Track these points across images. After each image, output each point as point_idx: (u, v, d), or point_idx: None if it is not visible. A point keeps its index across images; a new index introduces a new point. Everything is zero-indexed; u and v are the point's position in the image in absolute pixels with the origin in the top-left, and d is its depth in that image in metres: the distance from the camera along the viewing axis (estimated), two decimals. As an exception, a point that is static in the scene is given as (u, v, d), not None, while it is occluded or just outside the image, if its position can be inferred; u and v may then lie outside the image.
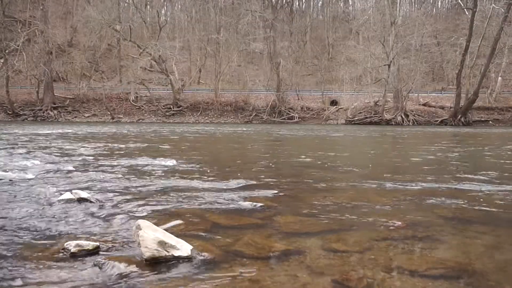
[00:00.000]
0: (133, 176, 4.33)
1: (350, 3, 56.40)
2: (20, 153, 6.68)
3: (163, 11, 46.34)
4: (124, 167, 5.03)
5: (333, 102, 38.49)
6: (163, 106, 37.49)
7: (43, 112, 35.38)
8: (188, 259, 1.88)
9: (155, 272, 1.74)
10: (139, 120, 36.00)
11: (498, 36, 31.05)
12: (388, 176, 4.57)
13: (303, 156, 7.21)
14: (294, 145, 10.67)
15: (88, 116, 36.37)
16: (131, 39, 37.14)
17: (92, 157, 6.20)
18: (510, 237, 2.39)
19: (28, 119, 34.51)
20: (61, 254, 1.95)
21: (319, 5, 57.77)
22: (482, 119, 35.16)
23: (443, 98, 37.87)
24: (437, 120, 34.14)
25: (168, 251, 1.87)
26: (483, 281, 1.70)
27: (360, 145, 11.30)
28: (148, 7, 43.85)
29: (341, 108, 36.91)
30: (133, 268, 1.77)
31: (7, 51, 34.90)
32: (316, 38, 50.11)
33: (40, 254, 1.94)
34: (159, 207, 2.89)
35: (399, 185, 3.97)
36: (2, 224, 2.43)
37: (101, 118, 36.08)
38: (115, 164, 5.37)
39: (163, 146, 9.19)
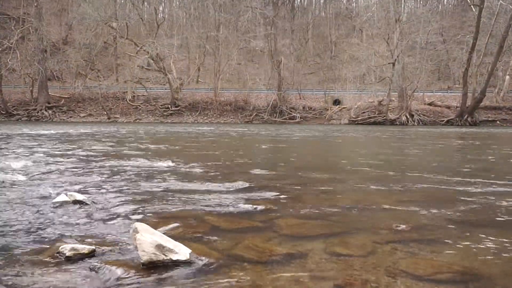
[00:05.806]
0: (130, 177, 4.24)
1: (353, -1, 55.46)
2: (12, 154, 6.55)
3: (160, 8, 45.65)
4: (121, 169, 4.93)
5: (336, 102, 37.67)
6: (161, 105, 36.76)
7: (38, 112, 34.92)
8: (186, 263, 1.85)
9: (153, 277, 1.70)
10: (136, 120, 35.25)
11: (506, 34, 30.31)
12: (392, 178, 4.50)
13: (304, 157, 7.16)
14: (295, 146, 10.43)
15: (84, 116, 35.65)
16: (128, 36, 36.45)
17: (87, 158, 6.12)
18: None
19: (22, 119, 34.08)
20: (56, 258, 1.90)
21: (321, 1, 57.00)
22: (489, 119, 34.30)
23: (449, 97, 37.10)
24: (443, 120, 33.37)
25: (166, 255, 1.85)
26: (490, 286, 1.66)
27: (364, 146, 11.02)
28: (146, 3, 43.26)
29: (344, 107, 36.19)
30: (130, 272, 1.74)
31: (0, 49, 34.16)
32: (318, 36, 49.32)
33: (34, 258, 1.90)
34: (157, 210, 2.83)
35: (404, 187, 3.91)
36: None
37: (97, 118, 35.47)
38: (112, 165, 5.25)
39: (161, 147, 9.10)
